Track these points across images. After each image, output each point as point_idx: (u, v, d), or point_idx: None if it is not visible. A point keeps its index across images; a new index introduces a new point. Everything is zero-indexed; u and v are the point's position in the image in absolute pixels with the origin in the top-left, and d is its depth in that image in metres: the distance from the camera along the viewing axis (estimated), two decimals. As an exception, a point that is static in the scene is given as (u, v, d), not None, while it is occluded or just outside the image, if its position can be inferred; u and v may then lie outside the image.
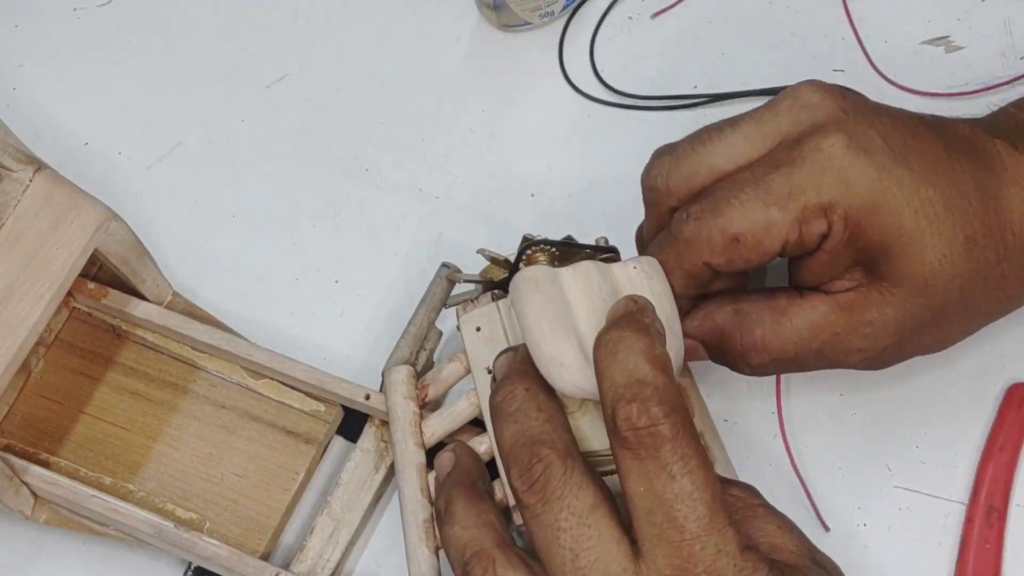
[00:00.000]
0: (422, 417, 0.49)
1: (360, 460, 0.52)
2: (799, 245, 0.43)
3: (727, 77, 0.63)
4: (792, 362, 0.46)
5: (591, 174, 0.61)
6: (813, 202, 0.42)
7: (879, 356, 0.46)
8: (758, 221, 0.42)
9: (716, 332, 0.46)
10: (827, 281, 0.45)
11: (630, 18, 0.65)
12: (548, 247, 0.48)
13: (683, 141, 0.46)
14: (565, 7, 0.64)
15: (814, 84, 0.45)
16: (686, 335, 0.46)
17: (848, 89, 0.45)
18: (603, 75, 0.63)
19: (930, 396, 0.54)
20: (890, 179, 0.42)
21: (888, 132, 0.43)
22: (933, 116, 0.46)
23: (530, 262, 0.48)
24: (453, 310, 0.50)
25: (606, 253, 0.48)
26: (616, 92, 0.63)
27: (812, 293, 0.45)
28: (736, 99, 0.62)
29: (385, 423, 0.53)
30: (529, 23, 0.64)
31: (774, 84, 0.62)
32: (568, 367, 0.41)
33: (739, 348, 0.46)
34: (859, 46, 0.63)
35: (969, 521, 0.50)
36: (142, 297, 0.55)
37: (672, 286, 0.45)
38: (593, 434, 0.43)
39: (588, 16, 0.65)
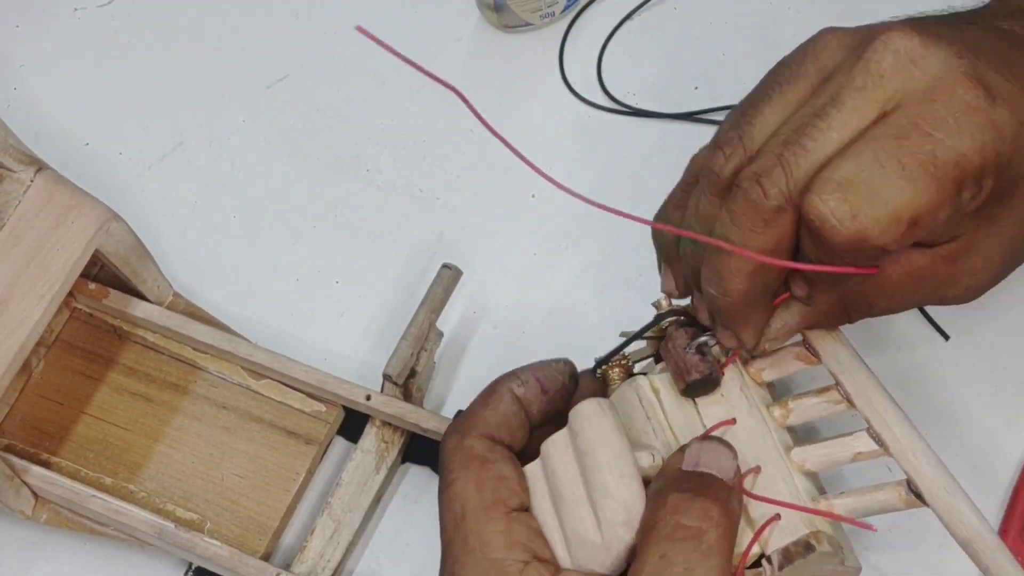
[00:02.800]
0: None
1: (361, 460, 0.52)
2: (953, 215, 0.37)
3: (727, 78, 0.63)
4: (891, 312, 0.42)
5: (592, 174, 0.61)
6: (977, 163, 0.36)
7: (980, 291, 0.42)
8: (931, 199, 0.36)
9: (821, 316, 0.42)
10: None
11: (630, 18, 0.65)
12: (614, 360, 0.46)
13: (783, 144, 0.38)
14: (566, 8, 0.64)
15: (904, 31, 0.38)
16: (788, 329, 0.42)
17: (930, 24, 0.39)
18: (603, 74, 0.63)
19: (967, 407, 0.54)
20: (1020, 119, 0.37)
21: (996, 65, 0.38)
22: (991, 26, 0.42)
23: (607, 382, 0.46)
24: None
25: (667, 317, 0.45)
26: (616, 101, 0.63)
27: (907, 249, 0.39)
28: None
29: (386, 423, 0.53)
30: (530, 24, 0.64)
31: (774, 85, 0.62)
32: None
33: (846, 318, 0.42)
34: (859, 47, 0.63)
35: (1003, 533, 0.50)
36: (143, 297, 0.55)
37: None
38: None
39: (589, 16, 0.65)
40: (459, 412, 0.54)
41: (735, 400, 0.43)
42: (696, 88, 0.63)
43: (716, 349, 0.43)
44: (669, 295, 0.45)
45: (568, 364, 0.45)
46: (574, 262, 0.59)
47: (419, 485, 0.54)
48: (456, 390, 0.56)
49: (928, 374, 0.55)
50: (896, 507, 0.41)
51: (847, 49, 0.40)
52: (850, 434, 0.42)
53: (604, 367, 0.46)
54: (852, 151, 0.36)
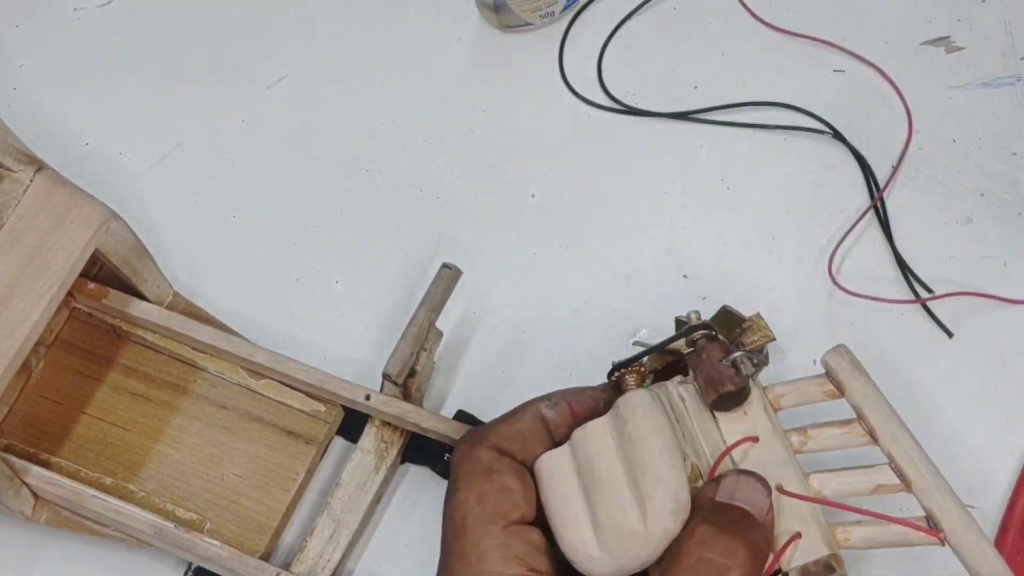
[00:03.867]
0: None
1: (360, 460, 0.52)
2: None
3: (727, 78, 0.63)
4: None
5: (592, 174, 0.61)
6: None
7: None
8: None
9: None
10: None
11: (630, 18, 0.65)
12: (633, 366, 0.46)
13: None
14: (565, 8, 0.64)
15: None
16: None
17: None
18: (603, 73, 0.63)
19: (969, 404, 0.54)
20: None
21: None
22: None
23: (621, 388, 0.46)
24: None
25: (697, 330, 0.46)
26: (616, 100, 0.63)
27: None
28: (734, 108, 0.62)
29: (385, 423, 0.53)
30: (530, 24, 0.64)
31: (774, 83, 0.62)
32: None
33: None
34: (859, 46, 0.63)
35: (1003, 531, 0.50)
36: (142, 297, 0.55)
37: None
38: None
39: (589, 16, 0.65)
40: (459, 412, 0.54)
41: (757, 419, 0.44)
42: (696, 88, 0.63)
43: (744, 367, 0.44)
44: None
45: (606, 391, 0.46)
46: (574, 262, 0.59)
47: (419, 485, 0.54)
48: (456, 390, 0.56)
49: (930, 372, 0.55)
50: (913, 542, 0.41)
51: None
52: (871, 467, 0.43)
53: (621, 371, 0.46)
54: None
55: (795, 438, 0.44)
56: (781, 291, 0.57)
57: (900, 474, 0.42)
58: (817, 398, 0.45)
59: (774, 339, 0.45)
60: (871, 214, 0.58)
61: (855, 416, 0.44)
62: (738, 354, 0.44)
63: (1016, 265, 0.57)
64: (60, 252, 0.50)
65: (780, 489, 0.42)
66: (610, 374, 0.46)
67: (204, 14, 0.67)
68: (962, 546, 0.40)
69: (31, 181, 0.51)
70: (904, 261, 0.57)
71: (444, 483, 0.53)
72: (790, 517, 0.41)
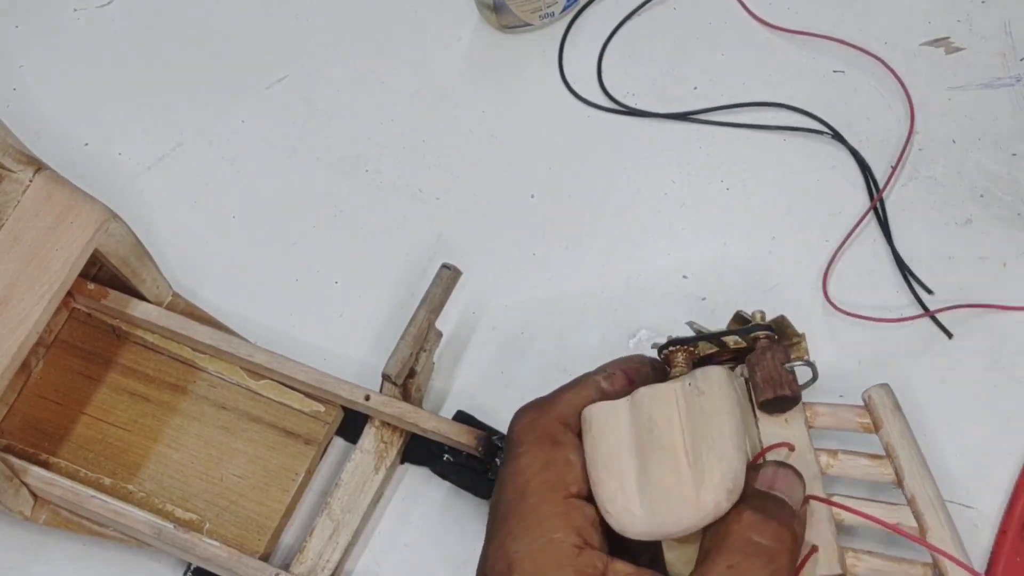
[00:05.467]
0: None
1: (360, 461, 0.52)
2: None
3: (727, 78, 0.63)
4: None
5: (592, 175, 0.61)
6: None
7: None
8: None
9: None
10: None
11: (631, 18, 0.65)
12: (687, 346, 0.47)
13: None
14: (565, 8, 0.64)
15: None
16: None
17: None
18: (603, 74, 0.63)
19: (969, 404, 0.54)
20: None
21: None
22: None
23: (670, 363, 0.47)
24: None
25: (761, 330, 0.47)
26: (615, 101, 0.63)
27: None
28: (734, 109, 0.62)
29: (385, 423, 0.53)
30: (529, 24, 0.64)
31: (774, 83, 0.62)
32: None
33: None
34: (859, 47, 0.63)
35: (1003, 533, 0.50)
36: (142, 298, 0.55)
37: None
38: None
39: (589, 16, 0.65)
40: (459, 413, 0.54)
41: (796, 430, 0.45)
42: (695, 88, 0.63)
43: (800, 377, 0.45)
44: None
45: (646, 357, 0.47)
46: (573, 263, 0.59)
47: (418, 486, 0.54)
48: (455, 390, 0.56)
49: (930, 372, 0.55)
50: None
51: None
52: (893, 504, 0.44)
53: (673, 348, 0.46)
54: None
55: (823, 458, 0.45)
56: (780, 291, 0.57)
57: (919, 518, 0.43)
58: (852, 427, 0.46)
59: (810, 363, 0.46)
60: (871, 214, 0.58)
61: (884, 452, 0.45)
62: (800, 363, 0.45)
63: (1016, 266, 0.57)
64: (60, 252, 0.50)
65: (809, 495, 0.42)
66: (661, 348, 0.47)
67: (204, 14, 0.67)
68: None
69: (31, 181, 0.51)
70: (903, 261, 0.57)
71: (444, 483, 0.54)
72: (809, 530, 0.42)
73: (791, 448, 0.44)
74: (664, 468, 0.41)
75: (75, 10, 0.68)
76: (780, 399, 0.44)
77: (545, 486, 0.42)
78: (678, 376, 0.45)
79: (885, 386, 0.46)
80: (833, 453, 0.45)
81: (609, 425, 0.43)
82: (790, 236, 0.59)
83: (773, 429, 0.45)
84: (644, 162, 0.61)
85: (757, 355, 0.45)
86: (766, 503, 0.40)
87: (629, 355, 0.47)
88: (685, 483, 0.40)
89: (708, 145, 0.61)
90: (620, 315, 0.57)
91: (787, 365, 0.45)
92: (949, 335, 0.55)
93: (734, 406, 0.42)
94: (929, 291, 0.56)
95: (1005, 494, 0.52)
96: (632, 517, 0.41)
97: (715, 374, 0.43)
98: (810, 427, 0.46)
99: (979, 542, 0.51)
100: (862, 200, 0.59)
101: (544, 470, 0.42)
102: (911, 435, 0.45)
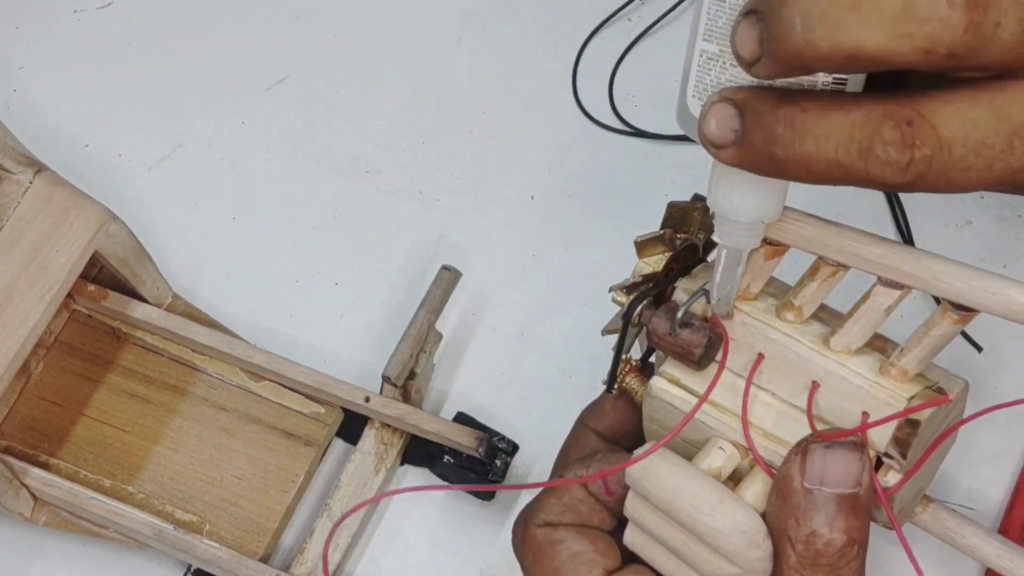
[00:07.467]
0: None
1: (360, 462, 0.52)
2: None
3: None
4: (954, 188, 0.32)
5: (592, 176, 0.61)
6: None
7: None
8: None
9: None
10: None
11: (643, 37, 0.65)
12: (626, 368, 0.43)
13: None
14: None
15: None
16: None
17: None
18: (615, 94, 0.63)
19: (969, 404, 0.54)
20: None
21: None
22: None
23: (627, 393, 0.43)
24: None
25: (639, 302, 0.41)
26: (625, 122, 0.63)
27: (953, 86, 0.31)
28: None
29: (385, 425, 0.53)
30: None
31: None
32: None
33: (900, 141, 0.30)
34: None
35: (1003, 532, 0.50)
36: (142, 299, 0.55)
37: None
38: None
39: (603, 36, 0.65)
40: (459, 414, 0.54)
41: (746, 336, 0.40)
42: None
43: (696, 307, 0.40)
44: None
45: (619, 402, 0.43)
46: (573, 263, 0.59)
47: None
48: (455, 391, 0.56)
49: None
50: (956, 332, 0.38)
51: None
52: (867, 295, 0.38)
53: (619, 383, 0.43)
54: None
55: (790, 315, 0.40)
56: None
57: (894, 284, 0.38)
58: (771, 266, 0.40)
59: (701, 292, 0.40)
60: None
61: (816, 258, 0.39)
62: (683, 306, 0.39)
63: (1016, 267, 0.57)
64: (59, 254, 0.50)
65: (865, 423, 0.37)
66: (608, 390, 0.44)
67: (204, 15, 0.67)
68: (996, 310, 0.36)
69: (31, 183, 0.51)
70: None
71: (443, 484, 0.54)
72: (842, 397, 0.38)
73: (762, 358, 0.39)
74: (702, 563, 0.38)
75: (75, 11, 0.68)
76: (702, 358, 0.39)
77: None
78: (641, 397, 0.42)
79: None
80: (789, 304, 0.40)
81: (646, 550, 0.40)
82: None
83: (735, 360, 0.40)
84: (644, 163, 0.61)
85: (650, 341, 0.40)
86: (816, 510, 0.35)
87: (615, 455, 0.41)
88: (724, 566, 0.37)
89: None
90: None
91: (675, 322, 0.39)
92: (979, 348, 0.55)
93: (670, 480, 0.37)
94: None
95: (1005, 494, 0.52)
96: None
97: (634, 474, 0.38)
98: (756, 298, 0.40)
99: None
100: (868, 206, 0.59)
101: None
102: (813, 221, 0.38)
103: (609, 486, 0.40)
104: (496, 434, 0.53)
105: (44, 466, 0.53)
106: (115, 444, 0.54)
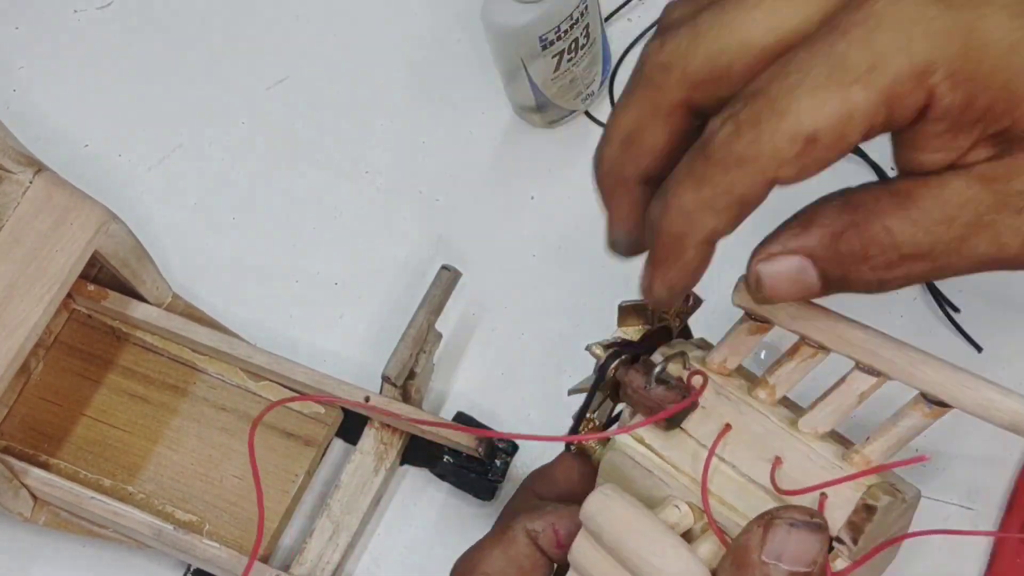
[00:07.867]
0: None
1: (360, 462, 0.52)
2: (887, 125, 0.33)
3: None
4: (929, 259, 0.35)
5: (592, 175, 0.61)
6: (905, 69, 0.32)
7: None
8: (837, 110, 0.32)
9: (825, 236, 0.35)
10: (949, 160, 0.34)
11: (630, 21, 0.65)
12: (587, 426, 0.43)
13: (702, 3, 0.35)
14: (603, 81, 0.61)
15: None
16: (783, 253, 0.36)
17: None
18: (612, 85, 0.63)
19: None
20: (989, 19, 0.32)
21: None
22: None
23: (585, 451, 0.43)
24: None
25: (615, 358, 0.42)
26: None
27: (940, 172, 0.34)
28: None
29: (385, 425, 0.53)
30: (575, 111, 0.61)
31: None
32: None
33: (858, 249, 0.34)
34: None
35: (1004, 532, 0.50)
36: (142, 299, 0.55)
37: (718, 228, 0.36)
38: None
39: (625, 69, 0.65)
40: (459, 414, 0.54)
41: (717, 405, 0.41)
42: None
43: (672, 367, 0.41)
44: (614, 247, 0.42)
45: (576, 462, 0.43)
46: (573, 264, 0.59)
47: (418, 487, 0.54)
48: (455, 392, 0.56)
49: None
50: (925, 425, 0.38)
51: None
52: (843, 379, 0.39)
53: (578, 445, 0.43)
54: (789, 56, 0.33)
55: (762, 393, 0.40)
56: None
57: (871, 371, 0.38)
58: (752, 343, 0.41)
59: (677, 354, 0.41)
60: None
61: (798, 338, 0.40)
62: (658, 365, 0.40)
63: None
64: (59, 254, 0.50)
65: (823, 502, 0.38)
66: (568, 447, 0.44)
67: (204, 15, 0.67)
68: (968, 406, 0.36)
69: (30, 183, 0.51)
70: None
71: (444, 485, 0.54)
72: (803, 476, 0.38)
73: (728, 429, 0.40)
74: None
75: (75, 11, 0.68)
76: (673, 417, 0.40)
77: None
78: (599, 456, 0.42)
79: (739, 281, 0.40)
80: (763, 383, 0.40)
81: None
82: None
83: (703, 428, 0.40)
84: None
85: (623, 395, 0.41)
86: None
87: (565, 509, 0.41)
88: None
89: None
90: (620, 316, 0.57)
91: (651, 378, 0.40)
92: (978, 348, 0.55)
93: (626, 518, 0.37)
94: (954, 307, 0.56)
95: (1005, 494, 0.52)
96: None
97: (590, 507, 0.38)
98: (730, 375, 0.41)
99: (979, 542, 0.51)
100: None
101: None
102: (801, 306, 0.39)
103: (560, 538, 0.40)
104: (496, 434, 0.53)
105: (44, 466, 0.53)
106: (115, 444, 0.54)
